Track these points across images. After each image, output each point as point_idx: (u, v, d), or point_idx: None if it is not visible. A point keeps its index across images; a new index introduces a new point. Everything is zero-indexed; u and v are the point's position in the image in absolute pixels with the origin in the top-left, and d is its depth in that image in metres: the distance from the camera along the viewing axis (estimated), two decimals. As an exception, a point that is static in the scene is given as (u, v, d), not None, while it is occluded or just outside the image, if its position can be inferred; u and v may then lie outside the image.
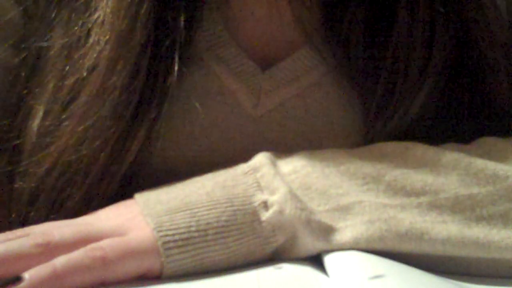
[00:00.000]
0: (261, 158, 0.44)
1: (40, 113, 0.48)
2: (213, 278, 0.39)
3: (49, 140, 0.47)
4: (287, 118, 0.50)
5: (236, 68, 0.51)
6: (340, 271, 0.38)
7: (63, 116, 0.47)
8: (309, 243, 0.41)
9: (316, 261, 0.41)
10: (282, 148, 0.46)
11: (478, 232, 0.42)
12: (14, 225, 0.45)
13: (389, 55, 0.50)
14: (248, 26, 0.53)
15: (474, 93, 0.51)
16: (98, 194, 0.45)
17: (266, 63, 0.52)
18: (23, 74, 0.50)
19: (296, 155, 0.45)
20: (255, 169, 0.43)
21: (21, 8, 0.51)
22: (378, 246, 0.41)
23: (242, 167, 0.44)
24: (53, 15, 0.50)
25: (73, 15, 0.49)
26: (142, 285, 0.38)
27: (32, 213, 0.47)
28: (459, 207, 0.42)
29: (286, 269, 0.40)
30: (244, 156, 0.45)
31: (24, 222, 0.47)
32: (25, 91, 0.50)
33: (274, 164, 0.43)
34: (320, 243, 0.41)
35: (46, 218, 0.45)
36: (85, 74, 0.47)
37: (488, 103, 0.51)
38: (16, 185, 0.48)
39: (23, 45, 0.50)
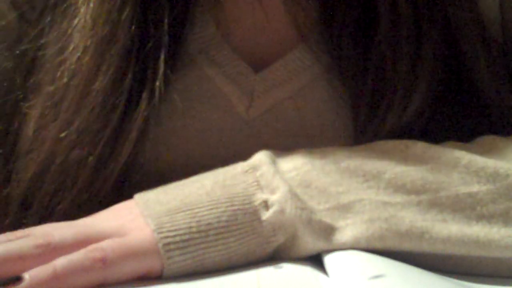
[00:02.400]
0: (260, 157, 0.44)
1: (35, 119, 0.48)
2: (213, 278, 0.39)
3: (36, 145, 0.47)
4: (279, 120, 0.50)
5: (229, 71, 0.51)
6: (340, 271, 0.38)
7: (49, 122, 0.47)
8: (309, 243, 0.41)
9: (316, 261, 0.41)
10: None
11: (479, 230, 0.41)
12: (8, 230, 0.44)
13: (374, 56, 0.49)
14: (241, 28, 0.53)
15: (462, 88, 0.51)
16: (90, 198, 0.46)
17: (259, 64, 0.52)
18: (18, 79, 0.50)
19: (296, 152, 0.45)
20: (255, 168, 0.43)
21: (18, 12, 0.51)
22: (379, 245, 0.41)
23: (242, 166, 0.43)
24: (48, 19, 0.50)
25: (63, 19, 0.49)
26: (142, 286, 0.38)
27: (24, 219, 0.47)
28: (460, 206, 0.42)
29: (286, 268, 0.40)
30: (237, 159, 0.45)
31: (18, 227, 0.47)
32: (20, 96, 0.50)
33: (274, 162, 0.43)
34: (320, 243, 0.41)
35: (39, 223, 0.45)
36: (65, 80, 0.47)
37: (475, 96, 0.51)
38: (6, 190, 0.48)
39: (17, 50, 0.50)
